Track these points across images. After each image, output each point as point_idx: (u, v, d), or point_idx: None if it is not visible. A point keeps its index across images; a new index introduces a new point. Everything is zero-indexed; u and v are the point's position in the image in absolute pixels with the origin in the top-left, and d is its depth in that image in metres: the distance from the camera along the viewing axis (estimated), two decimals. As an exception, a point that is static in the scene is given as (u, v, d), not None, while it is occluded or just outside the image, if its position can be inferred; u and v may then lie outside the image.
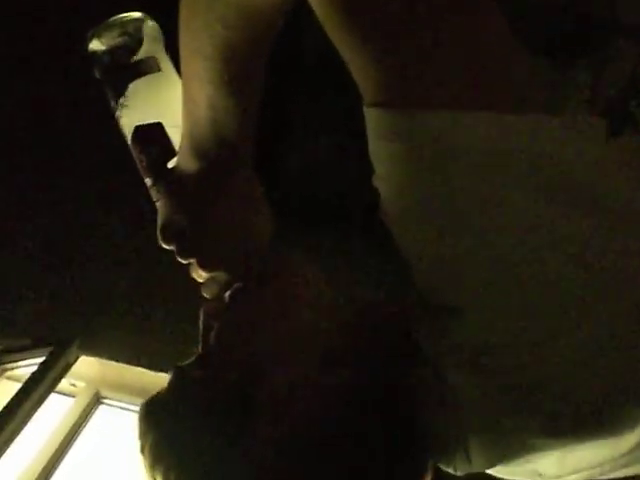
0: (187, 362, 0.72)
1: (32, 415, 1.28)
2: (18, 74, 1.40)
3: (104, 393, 1.52)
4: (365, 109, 0.53)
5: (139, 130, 0.89)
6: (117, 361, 1.40)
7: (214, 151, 0.74)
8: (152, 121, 0.89)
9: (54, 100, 1.37)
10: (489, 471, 0.69)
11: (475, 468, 0.65)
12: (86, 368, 1.45)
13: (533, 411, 0.57)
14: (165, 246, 0.80)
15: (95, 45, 0.90)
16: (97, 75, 0.91)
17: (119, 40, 0.89)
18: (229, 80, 0.67)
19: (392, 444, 0.64)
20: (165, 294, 1.32)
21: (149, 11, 0.90)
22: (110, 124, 0.90)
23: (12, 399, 1.25)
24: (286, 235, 0.84)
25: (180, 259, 0.81)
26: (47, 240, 1.44)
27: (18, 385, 1.31)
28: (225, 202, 0.78)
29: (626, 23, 0.79)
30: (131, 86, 0.89)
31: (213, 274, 0.82)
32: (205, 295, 0.83)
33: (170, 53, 0.89)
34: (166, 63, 0.90)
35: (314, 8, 0.51)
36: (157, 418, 0.68)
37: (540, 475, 0.69)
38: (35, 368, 1.34)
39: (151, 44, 0.90)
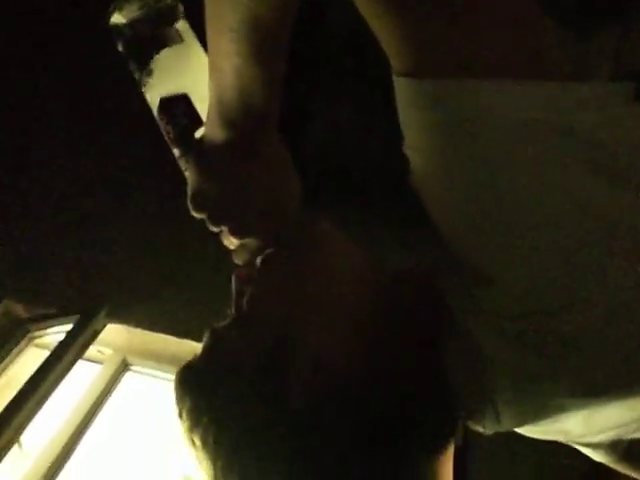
0: (222, 324, 0.73)
1: (60, 382, 1.29)
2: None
3: (131, 360, 1.53)
4: (395, 78, 0.53)
5: (165, 102, 0.89)
6: (144, 328, 1.40)
7: (242, 119, 0.74)
8: (178, 92, 0.88)
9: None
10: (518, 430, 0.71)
11: (504, 427, 0.66)
12: (113, 335, 1.47)
13: (561, 374, 0.57)
14: (196, 215, 0.81)
15: (116, 19, 0.90)
16: (120, 48, 0.91)
17: (140, 12, 0.89)
18: (255, 50, 0.68)
19: (424, 405, 0.65)
20: (193, 262, 1.32)
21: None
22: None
23: (41, 366, 1.26)
24: (315, 202, 0.84)
25: (211, 227, 0.81)
26: (74, 209, 1.44)
27: (46, 353, 1.32)
28: (254, 169, 0.78)
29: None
30: (154, 58, 0.89)
31: (244, 241, 0.82)
32: (236, 262, 0.84)
33: (192, 23, 0.89)
34: (188, 33, 0.90)
35: None
36: (194, 382, 0.69)
37: (566, 434, 0.71)
38: (63, 336, 1.35)
39: (172, 15, 0.90)
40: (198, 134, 0.85)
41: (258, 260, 0.80)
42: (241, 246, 0.83)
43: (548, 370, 0.57)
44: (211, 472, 0.64)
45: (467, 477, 1.27)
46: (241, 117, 0.74)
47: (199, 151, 0.80)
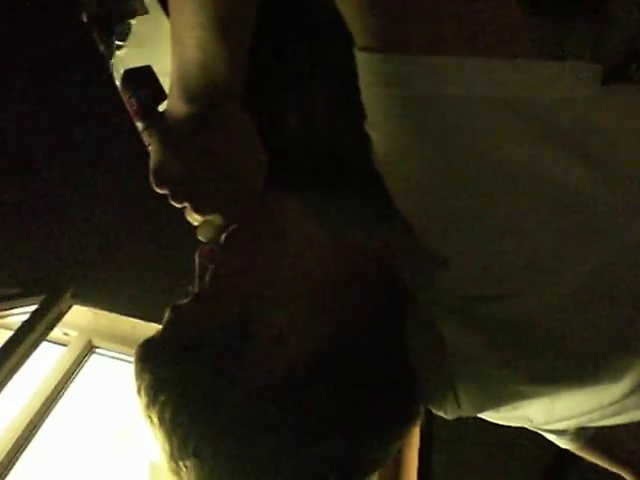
0: (183, 302, 0.72)
1: (24, 363, 1.27)
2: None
3: (96, 342, 1.51)
4: (356, 53, 0.52)
5: (128, 74, 0.87)
6: (110, 311, 1.39)
7: (204, 93, 0.74)
8: (141, 64, 0.87)
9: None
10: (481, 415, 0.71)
11: (464, 413, 0.67)
12: (79, 317, 1.45)
13: (520, 361, 0.57)
14: (158, 190, 0.79)
15: None
16: (84, 20, 0.90)
17: None
18: (218, 24, 0.67)
19: (382, 385, 0.66)
20: (159, 244, 1.31)
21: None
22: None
23: (3, 346, 1.24)
24: (280, 179, 0.84)
25: (174, 203, 0.80)
26: (41, 186, 1.42)
27: (10, 333, 1.30)
28: (217, 144, 0.78)
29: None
30: (118, 29, 0.88)
31: (208, 217, 0.81)
32: (200, 238, 0.83)
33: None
34: (153, 4, 0.88)
35: None
36: (153, 359, 0.69)
37: (530, 421, 0.72)
38: (27, 317, 1.33)
39: None
40: (162, 107, 0.84)
41: (222, 237, 0.79)
42: (205, 222, 0.82)
43: (502, 355, 0.57)
44: (167, 449, 0.64)
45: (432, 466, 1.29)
46: (204, 91, 0.73)
47: (162, 125, 0.79)
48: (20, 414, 1.25)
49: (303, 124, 1.05)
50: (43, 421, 1.27)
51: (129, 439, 1.17)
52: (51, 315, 1.34)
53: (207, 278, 0.73)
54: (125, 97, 0.87)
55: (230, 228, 0.79)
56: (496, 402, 0.65)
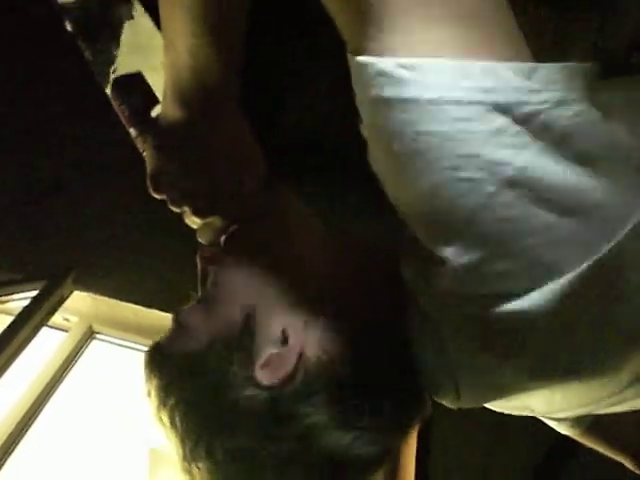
0: (187, 307, 0.73)
1: (24, 348, 1.27)
2: None
3: (97, 328, 1.51)
4: (351, 57, 0.52)
5: (118, 81, 0.87)
6: (111, 297, 1.39)
7: (198, 99, 0.74)
8: (130, 71, 0.87)
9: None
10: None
11: (464, 404, 0.67)
12: (80, 303, 1.45)
13: (520, 359, 0.57)
14: (156, 196, 0.81)
15: None
16: (69, 28, 0.89)
17: None
18: (209, 30, 0.67)
19: (393, 378, 0.67)
20: (161, 230, 1.31)
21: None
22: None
23: (4, 332, 1.24)
24: (279, 177, 0.83)
25: (172, 208, 0.81)
26: (40, 171, 1.41)
27: (10, 318, 1.30)
28: (213, 148, 0.78)
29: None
30: (104, 36, 0.87)
31: (207, 220, 0.82)
32: (201, 241, 0.84)
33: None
34: (138, 10, 0.88)
35: None
36: (160, 364, 0.70)
37: (532, 410, 0.73)
38: (28, 302, 1.33)
39: None
40: (154, 113, 0.84)
41: (222, 239, 0.80)
42: (204, 225, 0.83)
43: (502, 353, 0.57)
44: (180, 451, 0.65)
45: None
46: (197, 97, 0.73)
47: (156, 131, 0.79)
48: (20, 400, 1.25)
49: (307, 109, 1.05)
50: (44, 406, 1.28)
51: (129, 425, 1.17)
52: (52, 300, 1.34)
53: (209, 282, 0.74)
54: (116, 104, 0.87)
55: (230, 229, 0.79)
56: (497, 395, 0.65)
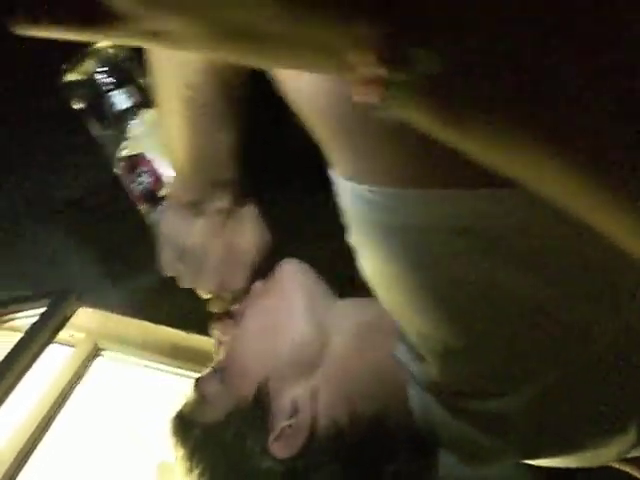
0: (204, 375, 0.77)
1: (32, 365, 1.28)
2: None
3: (103, 345, 1.52)
4: (340, 180, 0.55)
5: (126, 161, 0.89)
6: (116, 313, 1.40)
7: (200, 187, 0.79)
8: (138, 151, 0.89)
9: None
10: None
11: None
12: (85, 319, 1.46)
13: (507, 445, 0.60)
14: (169, 274, 0.87)
15: (72, 76, 0.89)
16: (76, 106, 0.91)
17: (95, 70, 0.89)
18: (203, 133, 0.72)
19: (400, 448, 0.69)
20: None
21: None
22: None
23: (12, 349, 1.25)
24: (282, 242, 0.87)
25: (184, 285, 0.85)
26: (45, 191, 1.43)
27: (19, 335, 1.31)
28: (218, 229, 0.82)
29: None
30: (113, 115, 0.89)
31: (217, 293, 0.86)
32: (212, 310, 0.87)
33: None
34: (145, 89, 0.90)
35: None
36: (183, 433, 0.75)
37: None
38: (34, 319, 1.35)
39: (128, 72, 0.90)
40: (162, 192, 0.86)
41: (232, 309, 0.83)
42: (215, 297, 0.87)
43: (488, 438, 0.60)
44: None
45: None
46: (200, 185, 0.78)
47: (164, 213, 0.84)
48: (30, 414, 1.26)
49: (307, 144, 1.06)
50: (53, 421, 1.28)
51: (136, 441, 1.18)
52: (58, 317, 1.35)
53: (222, 352, 0.79)
54: (125, 184, 0.89)
55: (239, 301, 0.83)
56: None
